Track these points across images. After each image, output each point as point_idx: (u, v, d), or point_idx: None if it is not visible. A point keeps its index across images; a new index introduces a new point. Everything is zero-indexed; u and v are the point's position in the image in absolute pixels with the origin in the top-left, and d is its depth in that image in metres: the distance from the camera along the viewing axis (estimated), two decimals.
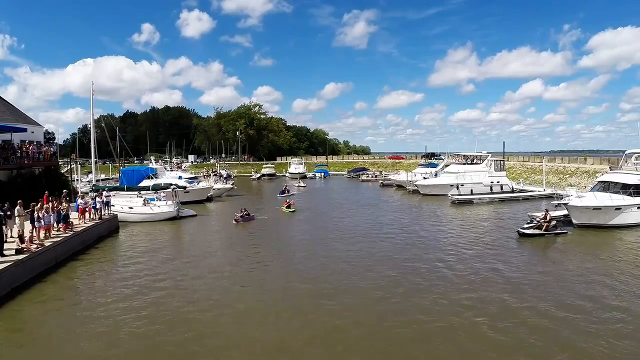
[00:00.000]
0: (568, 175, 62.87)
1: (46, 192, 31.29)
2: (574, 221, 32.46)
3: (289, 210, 42.72)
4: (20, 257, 20.85)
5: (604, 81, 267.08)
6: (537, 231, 29.58)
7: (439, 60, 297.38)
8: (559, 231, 30.37)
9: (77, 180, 45.75)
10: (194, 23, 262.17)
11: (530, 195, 52.18)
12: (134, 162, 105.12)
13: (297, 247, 28.24)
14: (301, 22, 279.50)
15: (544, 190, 54.04)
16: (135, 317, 16.48)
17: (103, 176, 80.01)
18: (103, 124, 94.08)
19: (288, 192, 57.79)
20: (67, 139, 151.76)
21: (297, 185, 74.91)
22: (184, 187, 47.39)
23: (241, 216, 37.24)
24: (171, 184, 42.34)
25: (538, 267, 22.97)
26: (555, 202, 33.84)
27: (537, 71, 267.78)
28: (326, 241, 29.76)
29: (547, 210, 31.77)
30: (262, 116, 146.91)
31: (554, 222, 30.58)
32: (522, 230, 29.61)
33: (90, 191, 37.04)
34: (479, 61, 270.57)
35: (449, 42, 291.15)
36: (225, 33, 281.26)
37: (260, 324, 15.85)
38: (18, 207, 23.72)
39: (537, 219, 30.74)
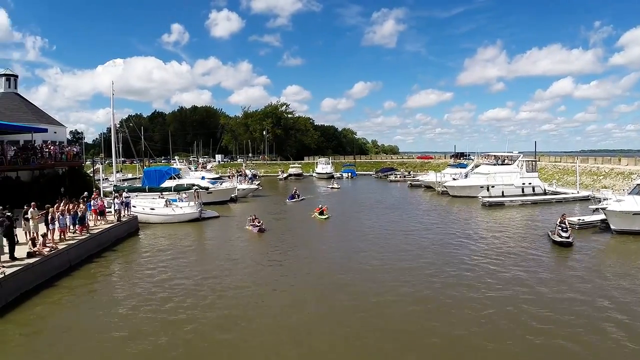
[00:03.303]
0: (602, 177, 60.45)
1: (95, 189, 31.25)
2: (612, 227, 30.57)
3: (322, 217, 39.81)
4: (31, 260, 20.27)
5: (635, 79, 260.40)
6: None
7: (468, 58, 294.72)
8: None
9: (101, 180, 45.21)
10: (223, 23, 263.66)
11: (564, 198, 50.05)
12: (160, 162, 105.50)
13: (326, 255, 26.37)
14: (330, 21, 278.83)
15: (578, 192, 51.89)
16: (151, 326, 15.63)
17: (130, 175, 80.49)
18: (131, 124, 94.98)
19: (298, 196, 54.34)
20: (96, 138, 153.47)
21: (330, 186, 72.68)
22: (207, 188, 46.68)
23: (256, 225, 33.65)
24: (193, 185, 41.68)
25: (584, 277, 21.38)
26: (593, 206, 32.02)
27: (567, 69, 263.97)
28: (355, 247, 28.14)
29: (564, 215, 29.63)
30: (289, 115, 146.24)
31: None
32: (567, 240, 27.27)
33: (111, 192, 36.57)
34: (508, 59, 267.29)
35: (477, 41, 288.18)
36: (254, 33, 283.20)
37: (289, 343, 14.54)
38: (31, 209, 23.07)
39: (562, 225, 28.34)
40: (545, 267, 23.14)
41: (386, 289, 19.52)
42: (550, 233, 29.28)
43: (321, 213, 40.25)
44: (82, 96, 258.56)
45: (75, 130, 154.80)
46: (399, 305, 17.59)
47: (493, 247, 27.44)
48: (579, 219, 32.78)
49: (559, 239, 27.39)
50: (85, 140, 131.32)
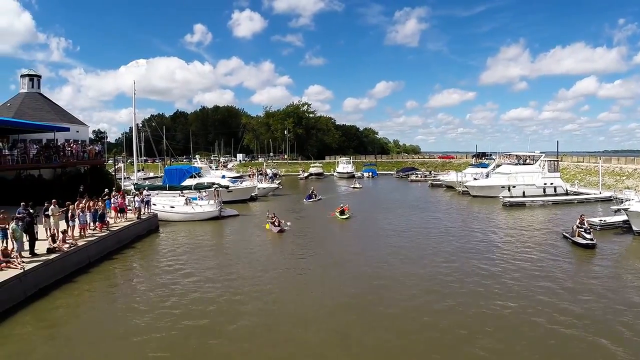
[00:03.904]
0: (625, 177, 59.40)
1: (122, 189, 32.04)
2: (634, 228, 29.88)
3: (343, 217, 39.05)
4: (51, 256, 20.55)
5: None
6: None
7: (490, 57, 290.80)
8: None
9: (122, 178, 45.79)
10: (246, 23, 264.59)
11: (586, 199, 49.18)
12: (182, 161, 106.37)
13: (348, 258, 25.44)
14: (352, 20, 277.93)
15: (600, 193, 50.86)
16: (166, 322, 15.82)
17: (152, 174, 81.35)
18: (153, 124, 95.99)
19: (315, 196, 53.46)
20: (119, 137, 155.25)
21: (352, 186, 71.98)
22: (227, 187, 46.89)
23: (277, 224, 33.25)
24: (214, 184, 41.92)
25: (614, 280, 20.92)
26: (615, 207, 31.47)
27: (591, 68, 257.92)
28: (377, 249, 27.44)
29: (582, 216, 28.66)
30: (310, 115, 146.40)
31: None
32: (592, 242, 26.34)
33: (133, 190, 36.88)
34: (531, 58, 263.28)
35: (499, 40, 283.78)
36: (277, 33, 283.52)
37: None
38: (52, 206, 23.42)
39: (582, 226, 27.50)
40: (571, 270, 22.62)
41: (411, 294, 19.05)
42: (566, 234, 28.71)
43: (342, 213, 39.53)
44: (105, 96, 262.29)
45: (99, 129, 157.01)
46: (427, 311, 17.03)
47: (514, 250, 26.78)
48: (601, 220, 32.18)
49: (584, 242, 26.53)
50: (108, 140, 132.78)
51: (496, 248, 27.56)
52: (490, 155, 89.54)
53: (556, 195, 51.88)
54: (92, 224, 26.43)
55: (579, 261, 24.66)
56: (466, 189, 56.96)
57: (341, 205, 41.53)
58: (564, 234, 29.26)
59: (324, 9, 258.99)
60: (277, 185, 62.96)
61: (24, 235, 19.98)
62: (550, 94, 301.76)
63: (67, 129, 41.44)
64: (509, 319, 16.05)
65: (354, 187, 70.68)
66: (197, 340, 14.50)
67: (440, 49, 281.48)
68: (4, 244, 19.64)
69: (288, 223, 33.90)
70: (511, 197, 49.76)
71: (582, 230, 27.19)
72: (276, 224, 33.23)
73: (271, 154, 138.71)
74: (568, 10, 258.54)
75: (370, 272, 22.42)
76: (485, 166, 68.60)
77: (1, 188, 34.17)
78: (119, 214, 30.67)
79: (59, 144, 40.09)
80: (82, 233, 25.01)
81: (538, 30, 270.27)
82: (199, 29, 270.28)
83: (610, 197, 45.63)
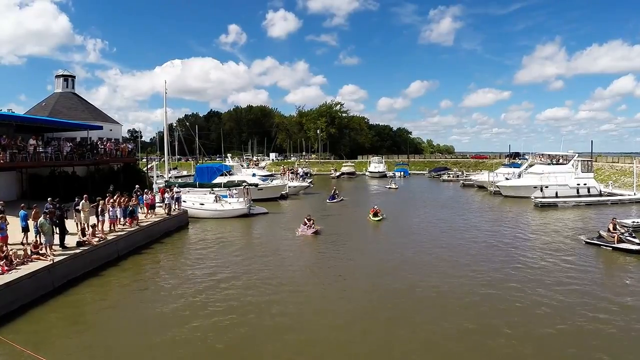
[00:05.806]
0: None
1: (163, 186, 35.41)
2: None
3: (375, 219, 37.84)
4: (80, 250, 21.18)
5: None
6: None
7: (526, 56, 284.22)
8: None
9: (155, 176, 46.60)
10: (280, 23, 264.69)
11: (620, 200, 48.02)
12: (215, 160, 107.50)
13: (375, 259, 25.07)
14: (386, 20, 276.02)
15: (635, 194, 49.47)
16: (192, 315, 16.17)
17: (185, 172, 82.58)
18: (187, 124, 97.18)
19: (338, 196, 52.74)
20: (154, 137, 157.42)
21: (387, 186, 71.03)
22: (256, 185, 47.26)
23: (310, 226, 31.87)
24: (243, 182, 42.36)
25: None
26: None
27: (628, 66, 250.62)
28: (405, 253, 26.45)
29: (614, 219, 27.58)
30: (343, 115, 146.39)
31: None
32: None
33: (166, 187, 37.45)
34: (567, 56, 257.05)
35: (535, 38, 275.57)
36: (311, 32, 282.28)
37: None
38: (83, 201, 24.02)
39: (615, 229, 26.24)
40: (618, 278, 21.40)
41: (437, 294, 19.08)
42: (591, 240, 27.28)
43: (375, 215, 38.38)
44: (140, 96, 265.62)
45: (133, 129, 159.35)
46: (456, 325, 16.15)
47: (547, 253, 25.50)
48: (634, 222, 31.22)
49: (634, 247, 24.61)
50: (142, 139, 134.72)
51: (529, 253, 26.16)
52: (524, 155, 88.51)
53: (589, 196, 50.73)
54: (122, 219, 27.00)
55: (623, 267, 23.36)
56: (498, 189, 56.16)
57: (374, 207, 40.47)
58: (586, 240, 27.75)
59: (358, 8, 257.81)
60: (307, 184, 63.20)
61: (54, 228, 20.58)
62: (586, 93, 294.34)
63: (100, 128, 42.47)
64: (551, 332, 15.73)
65: (389, 188, 69.70)
66: (221, 334, 14.70)
67: (475, 48, 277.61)
68: (37, 238, 20.35)
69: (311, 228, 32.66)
70: (543, 197, 48.94)
71: (627, 235, 25.70)
72: (308, 225, 31.92)
73: (304, 153, 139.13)
74: (605, 7, 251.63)
75: (396, 275, 22.24)
76: (518, 166, 67.66)
77: (36, 184, 35.20)
78: (149, 210, 31.29)
79: (92, 142, 40.95)
80: (112, 228, 25.63)
81: (574, 28, 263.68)
82: (234, 29, 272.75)
83: None
